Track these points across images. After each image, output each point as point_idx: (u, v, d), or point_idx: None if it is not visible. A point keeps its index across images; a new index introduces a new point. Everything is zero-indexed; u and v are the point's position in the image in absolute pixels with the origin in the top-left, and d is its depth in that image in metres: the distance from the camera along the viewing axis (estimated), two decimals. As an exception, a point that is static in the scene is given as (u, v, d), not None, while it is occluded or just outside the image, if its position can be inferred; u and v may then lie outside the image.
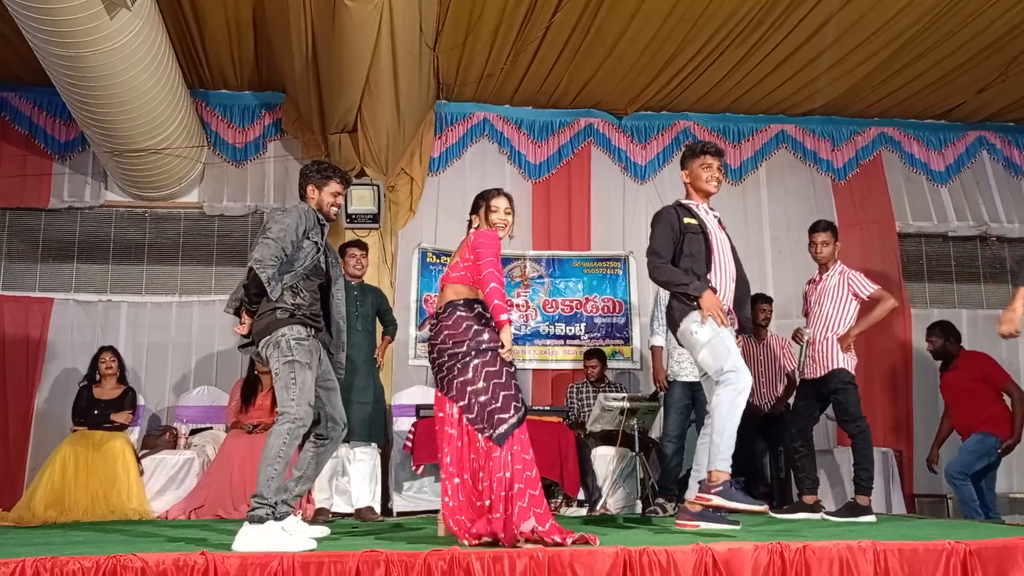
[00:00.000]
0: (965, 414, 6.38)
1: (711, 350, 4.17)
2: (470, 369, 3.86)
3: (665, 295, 5.75)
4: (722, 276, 4.40)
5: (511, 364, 3.90)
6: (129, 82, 5.71)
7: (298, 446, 3.96)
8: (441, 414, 3.99)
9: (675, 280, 4.27)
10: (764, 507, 3.95)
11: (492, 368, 3.85)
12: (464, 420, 3.86)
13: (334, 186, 4.31)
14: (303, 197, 4.33)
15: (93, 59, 5.36)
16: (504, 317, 3.80)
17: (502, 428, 3.75)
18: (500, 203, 4.14)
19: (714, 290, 4.25)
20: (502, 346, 3.82)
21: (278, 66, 7.21)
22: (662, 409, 6.23)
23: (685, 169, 4.58)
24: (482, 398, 3.82)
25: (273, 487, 3.76)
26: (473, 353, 3.87)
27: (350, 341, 5.77)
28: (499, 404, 3.79)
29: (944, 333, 6.50)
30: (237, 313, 4.20)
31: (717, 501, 4.01)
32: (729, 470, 4.10)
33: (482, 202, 4.17)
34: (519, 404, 3.82)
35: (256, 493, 3.73)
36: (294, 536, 3.61)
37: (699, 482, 4.23)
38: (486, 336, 3.90)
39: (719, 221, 4.60)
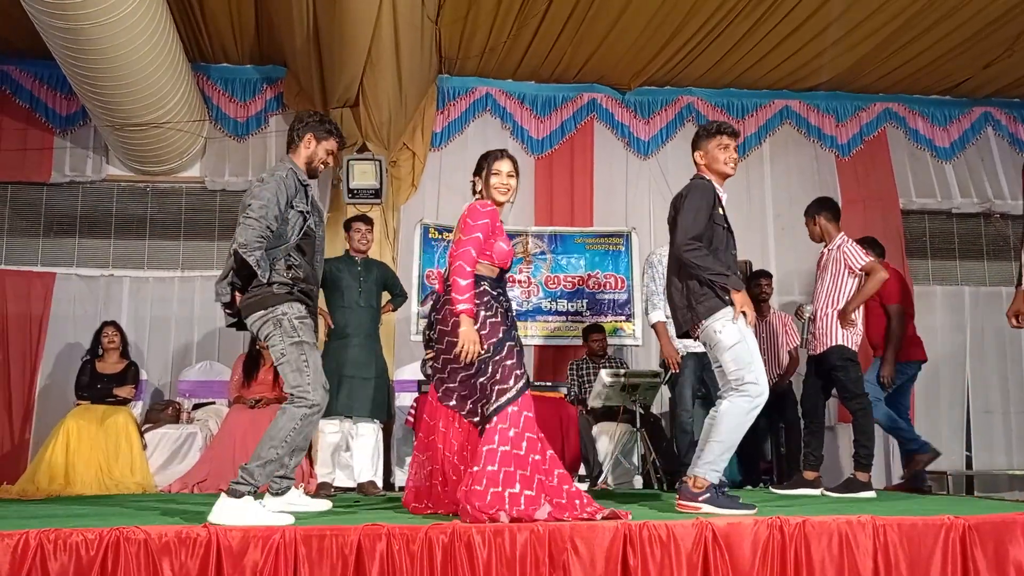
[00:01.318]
0: (868, 325, 6.29)
1: (735, 356, 3.99)
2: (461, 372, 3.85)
3: (661, 266, 5.68)
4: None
5: (505, 348, 3.81)
6: (130, 55, 5.68)
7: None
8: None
9: (714, 269, 4.03)
10: (754, 509, 3.82)
11: (486, 353, 3.79)
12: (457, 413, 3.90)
13: (332, 143, 4.10)
14: (295, 143, 4.09)
15: (93, 31, 5.32)
16: (461, 308, 3.70)
17: (495, 405, 3.72)
18: (503, 166, 3.98)
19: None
20: (461, 347, 3.72)
21: (279, 39, 7.16)
22: (671, 384, 6.14)
23: (700, 150, 4.33)
24: (469, 392, 3.84)
25: (268, 470, 3.61)
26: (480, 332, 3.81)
27: (354, 317, 5.76)
28: (486, 393, 3.77)
29: (866, 246, 6.12)
30: (230, 303, 3.91)
31: (707, 509, 3.85)
32: (716, 480, 3.97)
33: (484, 163, 4.02)
34: (506, 387, 3.74)
35: (247, 468, 3.56)
36: (271, 513, 3.47)
37: (680, 482, 4.11)
38: (489, 319, 3.83)
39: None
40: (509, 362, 3.77)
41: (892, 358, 6.08)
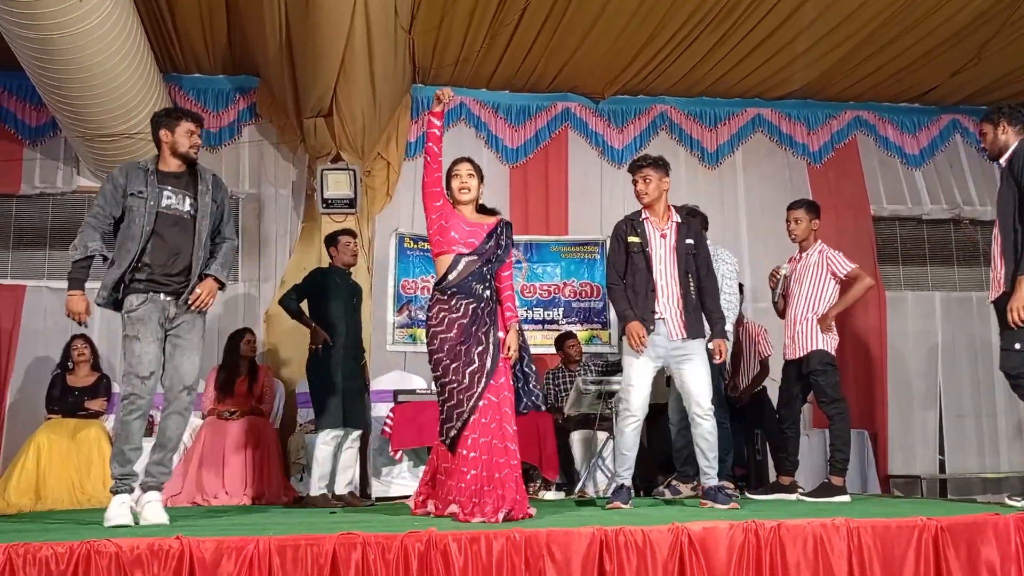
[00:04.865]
0: None
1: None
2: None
3: None
4: (667, 292, 4.72)
5: (463, 365, 4.05)
6: (100, 65, 5.63)
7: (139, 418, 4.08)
8: None
9: (617, 307, 4.82)
10: (629, 505, 4.54)
11: (437, 374, 4.11)
12: None
13: (186, 124, 4.29)
14: (157, 144, 4.33)
15: (62, 41, 5.27)
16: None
17: (451, 434, 4.02)
18: (460, 169, 4.35)
19: (642, 320, 4.63)
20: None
21: (252, 49, 7.14)
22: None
23: None
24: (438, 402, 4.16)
25: (118, 462, 3.99)
26: (432, 353, 4.14)
27: (352, 330, 5.70)
28: (444, 415, 4.08)
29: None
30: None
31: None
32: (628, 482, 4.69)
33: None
34: (462, 411, 3.99)
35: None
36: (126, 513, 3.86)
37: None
38: (440, 334, 4.11)
39: (677, 226, 4.85)
40: (450, 402, 4.09)
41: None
